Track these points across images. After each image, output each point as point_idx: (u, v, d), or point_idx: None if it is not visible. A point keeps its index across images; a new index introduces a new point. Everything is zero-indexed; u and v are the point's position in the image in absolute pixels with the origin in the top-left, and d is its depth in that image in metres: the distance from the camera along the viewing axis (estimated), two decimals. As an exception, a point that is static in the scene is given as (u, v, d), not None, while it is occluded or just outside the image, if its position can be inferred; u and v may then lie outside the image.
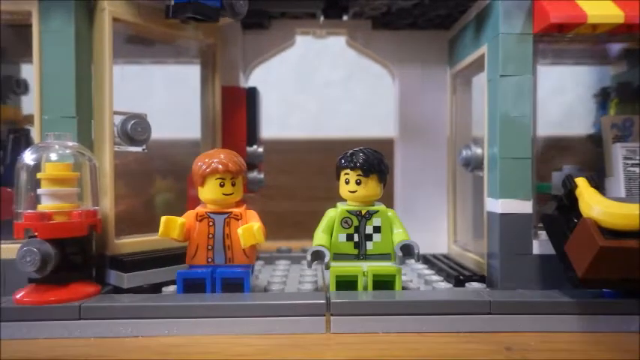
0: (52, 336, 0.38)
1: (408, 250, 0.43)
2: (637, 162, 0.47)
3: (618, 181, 0.47)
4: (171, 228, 0.41)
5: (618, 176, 0.47)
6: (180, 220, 0.42)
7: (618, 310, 0.40)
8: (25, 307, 0.39)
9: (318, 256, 0.43)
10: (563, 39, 0.47)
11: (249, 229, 0.41)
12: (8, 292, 0.42)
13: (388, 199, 0.47)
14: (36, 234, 0.40)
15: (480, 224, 0.53)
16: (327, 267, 0.43)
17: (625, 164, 0.47)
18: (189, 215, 0.43)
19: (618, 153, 0.48)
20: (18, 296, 0.40)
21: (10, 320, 0.38)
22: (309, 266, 0.43)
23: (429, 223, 0.62)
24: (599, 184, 0.41)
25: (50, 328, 0.38)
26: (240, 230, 0.42)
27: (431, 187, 0.63)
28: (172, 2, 0.46)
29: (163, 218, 0.41)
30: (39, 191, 0.41)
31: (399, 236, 0.44)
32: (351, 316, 0.39)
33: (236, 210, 0.43)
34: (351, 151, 0.45)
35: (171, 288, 0.45)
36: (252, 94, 0.60)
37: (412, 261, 0.44)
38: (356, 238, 0.44)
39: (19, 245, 0.39)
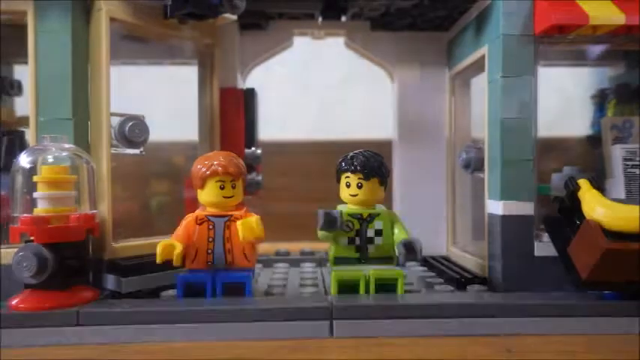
0: (49, 343, 0.37)
1: (410, 248, 0.42)
2: (637, 163, 0.47)
3: (618, 183, 0.47)
4: (169, 255, 0.40)
5: (618, 178, 0.47)
6: (178, 247, 0.40)
7: (619, 313, 0.40)
8: (22, 313, 0.38)
9: (329, 219, 0.42)
10: (563, 40, 0.47)
11: (248, 222, 0.41)
12: (4, 298, 0.40)
13: (387, 201, 0.46)
14: (32, 238, 0.39)
15: (479, 226, 0.53)
16: (342, 226, 0.42)
17: (625, 165, 0.47)
18: (189, 218, 0.43)
19: (618, 154, 0.48)
20: (14, 302, 0.39)
21: (6, 327, 0.37)
22: (321, 229, 0.42)
23: (427, 224, 0.61)
24: (601, 185, 0.41)
25: (47, 335, 0.38)
26: (239, 223, 0.41)
27: (429, 188, 0.63)
28: (170, 0, 0.45)
29: (160, 244, 0.40)
30: (35, 195, 0.40)
31: (400, 236, 0.43)
32: (355, 320, 0.39)
33: (236, 213, 0.43)
34: (351, 154, 0.44)
35: (170, 292, 0.45)
36: (250, 95, 0.60)
37: (414, 263, 0.43)
38: (357, 241, 0.44)
39: (15, 250, 0.38)
